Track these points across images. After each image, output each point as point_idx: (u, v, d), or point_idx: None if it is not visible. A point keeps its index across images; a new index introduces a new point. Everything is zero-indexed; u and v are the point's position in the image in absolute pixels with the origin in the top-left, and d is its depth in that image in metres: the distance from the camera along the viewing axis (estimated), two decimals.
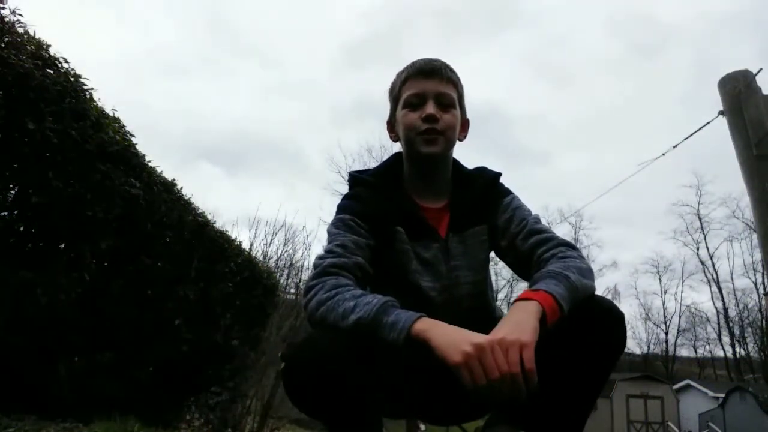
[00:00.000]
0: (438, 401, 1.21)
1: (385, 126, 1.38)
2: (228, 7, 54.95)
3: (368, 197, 1.27)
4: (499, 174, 1.35)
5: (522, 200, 1.32)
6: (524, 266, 1.21)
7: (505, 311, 1.10)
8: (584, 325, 0.98)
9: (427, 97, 1.23)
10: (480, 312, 1.27)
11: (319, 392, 0.90)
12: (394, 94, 1.32)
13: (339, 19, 57.20)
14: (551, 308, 0.94)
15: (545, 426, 1.01)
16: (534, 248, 1.17)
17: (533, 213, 1.26)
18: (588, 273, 1.06)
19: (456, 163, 1.35)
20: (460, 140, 1.32)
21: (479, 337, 0.88)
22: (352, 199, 1.27)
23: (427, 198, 1.30)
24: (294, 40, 57.98)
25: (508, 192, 1.32)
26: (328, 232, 1.20)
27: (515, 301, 0.98)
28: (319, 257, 1.13)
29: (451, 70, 1.27)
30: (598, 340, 0.98)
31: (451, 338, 0.89)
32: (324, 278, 1.05)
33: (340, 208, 1.24)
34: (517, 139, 58.33)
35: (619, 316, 1.01)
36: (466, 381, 0.85)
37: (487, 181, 1.33)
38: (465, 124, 1.34)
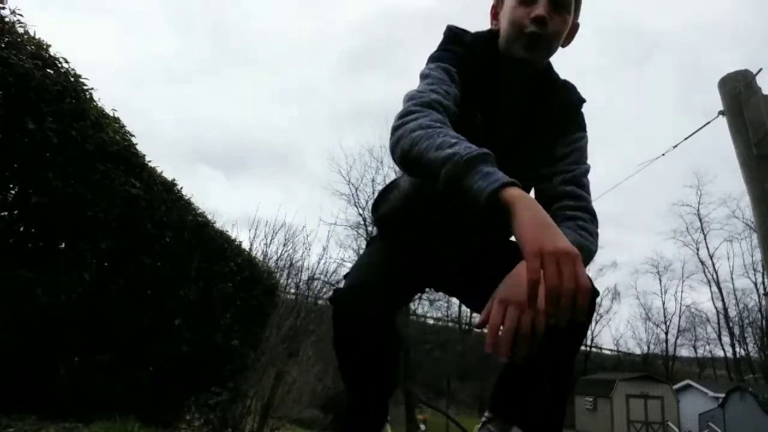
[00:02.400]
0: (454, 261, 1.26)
1: (489, 11, 1.24)
2: (228, 11, 55.00)
3: (467, 62, 1.15)
4: (584, 101, 1.27)
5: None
6: (545, 205, 1.09)
7: None
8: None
9: None
10: None
11: (362, 335, 0.99)
12: None
13: (337, 27, 57.25)
14: None
15: (532, 416, 1.03)
16: (562, 196, 1.13)
17: (587, 165, 1.21)
18: (587, 254, 1.04)
19: (549, 65, 1.23)
20: (563, 47, 1.19)
21: (566, 241, 0.75)
22: (453, 53, 1.16)
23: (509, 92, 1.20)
24: (293, 46, 57.87)
25: (583, 127, 1.25)
26: (423, 75, 1.10)
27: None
28: (420, 90, 1.04)
29: None
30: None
31: (541, 222, 0.77)
32: (428, 110, 0.96)
33: (437, 58, 1.14)
34: None
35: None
36: (533, 270, 0.73)
37: (570, 102, 1.24)
38: (574, 28, 1.20)
